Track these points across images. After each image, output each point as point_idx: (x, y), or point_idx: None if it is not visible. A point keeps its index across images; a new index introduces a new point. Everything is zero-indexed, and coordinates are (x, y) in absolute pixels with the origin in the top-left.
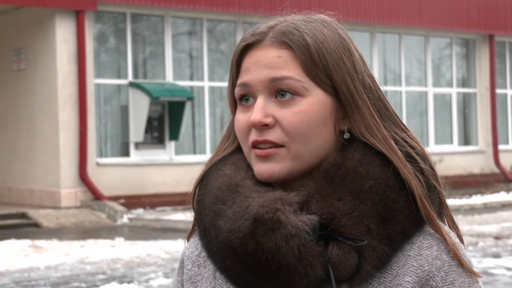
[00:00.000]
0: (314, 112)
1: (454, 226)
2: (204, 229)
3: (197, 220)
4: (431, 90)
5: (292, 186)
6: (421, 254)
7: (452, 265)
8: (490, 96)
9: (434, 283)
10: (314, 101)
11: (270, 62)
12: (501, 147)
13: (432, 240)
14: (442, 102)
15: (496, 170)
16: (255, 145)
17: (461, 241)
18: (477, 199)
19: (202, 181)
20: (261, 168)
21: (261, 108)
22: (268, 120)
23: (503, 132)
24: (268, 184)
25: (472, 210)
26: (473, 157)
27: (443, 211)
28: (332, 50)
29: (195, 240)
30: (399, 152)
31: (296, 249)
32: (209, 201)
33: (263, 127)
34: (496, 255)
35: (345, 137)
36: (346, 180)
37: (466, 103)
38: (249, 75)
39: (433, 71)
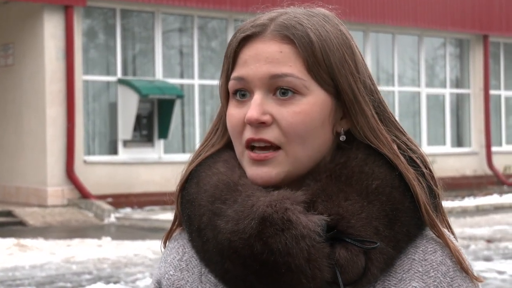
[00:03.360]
0: (314, 113)
1: (450, 231)
2: (198, 230)
3: (188, 220)
4: (424, 91)
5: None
6: (426, 259)
7: (456, 270)
8: (483, 97)
9: None
10: (315, 101)
11: (271, 57)
12: (494, 148)
13: (435, 244)
14: (435, 102)
15: (489, 172)
16: (250, 143)
17: None
18: (469, 201)
19: (192, 179)
20: (256, 172)
21: (258, 105)
22: (266, 118)
23: (497, 134)
24: None
25: (464, 212)
26: (466, 159)
27: (439, 215)
28: (335, 48)
29: (175, 246)
30: (402, 157)
31: (306, 250)
32: (205, 200)
33: (259, 124)
34: (487, 259)
35: (341, 139)
36: (352, 180)
37: (459, 104)
38: (247, 69)
39: (426, 71)
